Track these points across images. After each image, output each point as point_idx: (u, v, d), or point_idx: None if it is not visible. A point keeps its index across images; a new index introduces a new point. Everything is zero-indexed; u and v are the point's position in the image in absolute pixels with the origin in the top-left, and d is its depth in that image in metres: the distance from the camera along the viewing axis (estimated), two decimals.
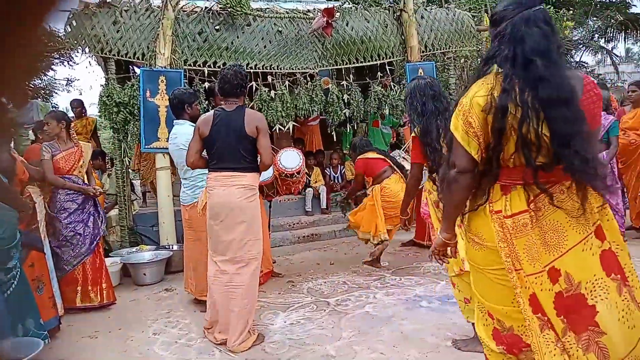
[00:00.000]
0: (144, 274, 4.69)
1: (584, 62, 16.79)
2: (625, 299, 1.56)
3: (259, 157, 3.23)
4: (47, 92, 12.54)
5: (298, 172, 4.14)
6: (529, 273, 1.57)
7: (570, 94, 1.52)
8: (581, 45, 15.33)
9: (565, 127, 1.50)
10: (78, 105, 7.15)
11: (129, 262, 4.79)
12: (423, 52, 6.58)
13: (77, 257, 3.94)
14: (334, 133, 6.83)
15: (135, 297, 4.36)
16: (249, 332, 3.12)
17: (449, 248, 1.90)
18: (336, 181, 7.37)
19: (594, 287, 1.54)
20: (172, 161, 4.80)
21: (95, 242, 4.03)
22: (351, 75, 6.68)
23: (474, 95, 1.61)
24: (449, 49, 6.94)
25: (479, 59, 9.58)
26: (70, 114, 6.51)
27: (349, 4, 6.74)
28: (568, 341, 1.53)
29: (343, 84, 6.60)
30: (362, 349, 2.93)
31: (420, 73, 6.13)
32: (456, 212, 1.76)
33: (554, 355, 1.53)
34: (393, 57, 6.54)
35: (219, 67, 5.66)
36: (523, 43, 1.53)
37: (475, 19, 7.39)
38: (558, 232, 1.58)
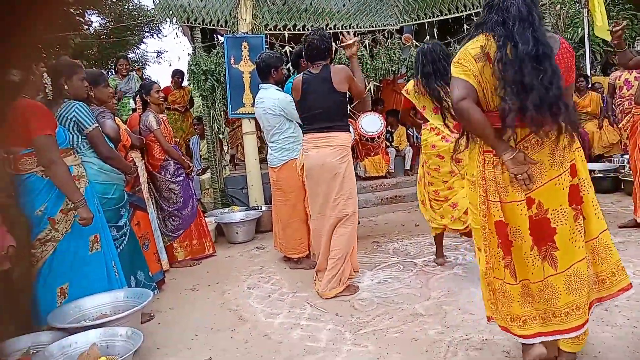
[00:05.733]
0: (237, 233, 4.95)
1: None
2: (579, 225, 1.96)
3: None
4: (140, 64, 13.35)
5: (378, 137, 4.11)
6: (512, 200, 1.92)
7: (543, 52, 1.81)
8: None
9: (533, 78, 1.79)
10: (180, 75, 7.44)
11: (222, 222, 5.08)
12: None
13: (193, 216, 4.40)
14: None
15: (230, 254, 4.63)
16: (339, 282, 3.26)
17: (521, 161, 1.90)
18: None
19: (558, 214, 1.93)
20: (257, 125, 4.92)
21: (197, 202, 4.50)
22: (435, 31, 6.36)
23: (467, 48, 1.94)
24: None
25: (576, 4, 8.71)
26: (163, 85, 6.85)
27: None
28: (533, 253, 1.94)
29: (425, 40, 6.31)
30: (452, 309, 2.89)
31: None
32: (487, 132, 1.89)
33: (497, 268, 2.02)
34: (480, 7, 6.11)
35: (298, 29, 5.66)
36: (509, 11, 1.86)
37: None
38: (539, 169, 1.91)
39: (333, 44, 5.78)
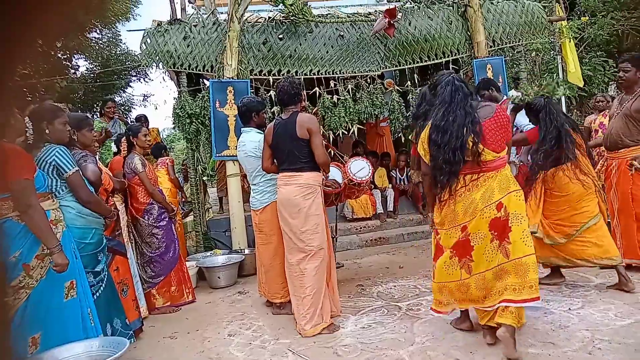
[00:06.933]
0: (219, 277, 4.86)
1: None
2: (494, 246, 2.71)
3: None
4: (126, 108, 13.43)
5: (367, 182, 4.26)
6: (449, 227, 2.83)
7: (455, 129, 2.69)
8: None
9: (449, 142, 2.71)
10: (144, 120, 7.42)
11: (204, 266, 4.99)
12: (491, 47, 6.33)
13: (175, 262, 4.31)
14: (401, 136, 6.77)
15: (211, 299, 4.52)
16: (322, 318, 3.31)
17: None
18: (401, 183, 7.25)
19: (476, 236, 2.73)
20: (242, 168, 4.94)
21: (179, 248, 4.41)
22: (415, 76, 6.56)
23: (425, 130, 2.83)
24: (518, 42, 6.63)
25: (551, 52, 9.08)
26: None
27: (410, 4, 6.62)
28: (453, 261, 2.83)
29: (407, 85, 6.51)
30: (437, 355, 2.83)
31: (489, 69, 5.91)
32: (430, 199, 2.93)
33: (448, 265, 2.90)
34: (459, 54, 6.35)
35: (282, 75, 5.79)
36: (440, 97, 2.80)
37: (546, 10, 7.01)
38: (472, 205, 2.72)
39: (316, 88, 6.00)
